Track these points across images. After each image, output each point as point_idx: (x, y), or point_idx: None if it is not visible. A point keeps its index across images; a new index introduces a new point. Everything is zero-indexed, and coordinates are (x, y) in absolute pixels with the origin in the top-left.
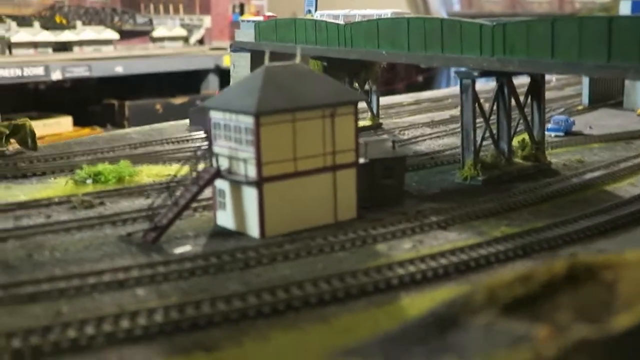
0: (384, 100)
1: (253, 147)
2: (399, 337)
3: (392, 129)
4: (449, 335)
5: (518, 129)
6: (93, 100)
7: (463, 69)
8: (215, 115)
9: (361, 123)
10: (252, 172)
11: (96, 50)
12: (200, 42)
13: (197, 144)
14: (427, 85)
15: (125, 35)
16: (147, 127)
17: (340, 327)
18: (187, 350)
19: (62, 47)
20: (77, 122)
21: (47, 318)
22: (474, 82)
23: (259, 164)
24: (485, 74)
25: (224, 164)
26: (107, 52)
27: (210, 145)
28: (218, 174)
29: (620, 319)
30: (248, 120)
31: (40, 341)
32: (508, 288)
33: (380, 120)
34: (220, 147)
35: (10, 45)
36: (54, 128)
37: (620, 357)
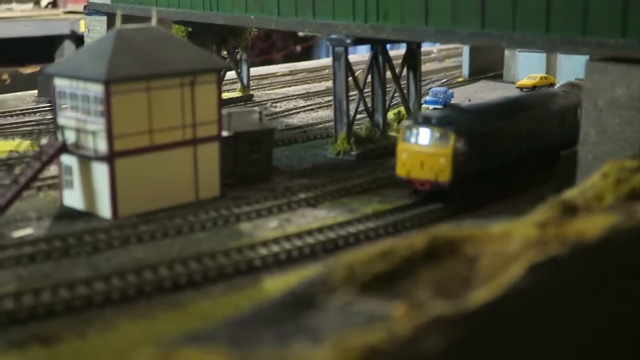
0: (257, 70)
1: (103, 118)
2: (251, 319)
3: (264, 101)
4: (305, 316)
5: (394, 102)
6: None
7: (335, 36)
8: (61, 83)
9: (230, 95)
10: (102, 146)
11: None
12: (54, 4)
13: (45, 117)
14: (306, 55)
15: None
16: None
17: (196, 313)
18: (21, 344)
19: None
20: None
21: None
22: (346, 50)
23: (110, 137)
24: (359, 41)
25: (70, 137)
26: None
27: (55, 116)
28: (64, 148)
29: (477, 294)
30: (97, 89)
31: None
32: (367, 265)
33: (252, 92)
34: (67, 118)
35: None
36: None
37: (476, 332)
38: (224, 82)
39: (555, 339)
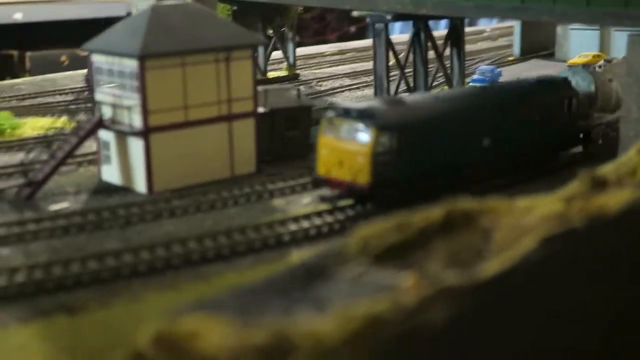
0: (305, 50)
1: (138, 93)
2: (260, 288)
3: (310, 80)
4: (314, 287)
5: (437, 81)
6: None
7: (376, 13)
8: (98, 59)
9: (276, 74)
10: (137, 122)
11: None
12: None
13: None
14: (361, 36)
15: None
16: (39, 78)
17: (220, 285)
18: (47, 313)
19: None
20: None
21: None
22: (387, 27)
23: (145, 113)
24: (399, 17)
25: (107, 113)
26: None
27: (92, 92)
28: (100, 124)
29: (488, 266)
30: (132, 64)
31: None
32: (382, 237)
33: (298, 71)
34: (104, 94)
35: None
36: None
37: (485, 304)
38: (270, 61)
39: (567, 313)
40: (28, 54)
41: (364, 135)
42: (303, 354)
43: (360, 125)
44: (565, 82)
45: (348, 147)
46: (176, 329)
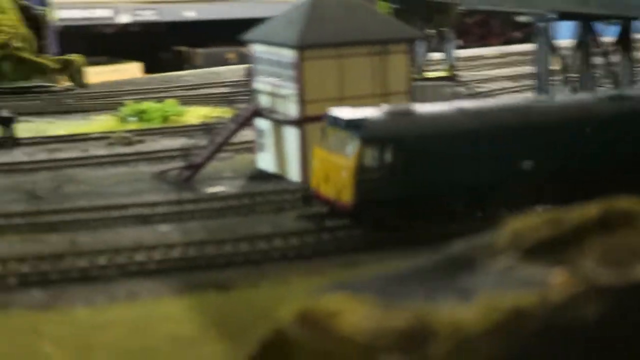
0: (466, 52)
1: (295, 83)
2: (405, 275)
3: (469, 81)
4: (460, 278)
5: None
6: (163, 46)
7: (538, 11)
8: (257, 49)
9: (436, 74)
10: (293, 111)
11: None
12: None
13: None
14: (527, 41)
15: None
16: (203, 70)
17: (369, 272)
18: (198, 287)
19: None
20: (148, 69)
21: (61, 247)
22: (549, 26)
23: (302, 102)
24: (564, 17)
25: (265, 102)
26: None
27: (250, 81)
28: (257, 112)
29: None
30: (290, 54)
31: (49, 268)
32: (534, 231)
33: (457, 72)
34: (262, 83)
35: None
36: (124, 74)
37: (634, 306)
38: (428, 61)
39: None
40: (198, 50)
41: (350, 147)
42: (442, 341)
43: (347, 136)
44: None
45: (334, 161)
46: (319, 307)
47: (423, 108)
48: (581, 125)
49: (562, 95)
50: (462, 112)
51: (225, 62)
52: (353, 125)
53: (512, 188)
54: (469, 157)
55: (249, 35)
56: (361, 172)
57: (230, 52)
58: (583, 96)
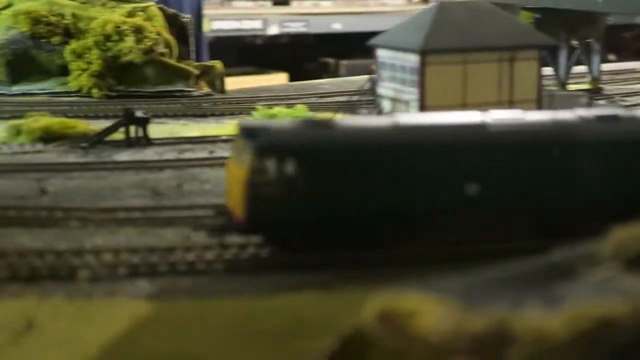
0: (613, 65)
1: (417, 88)
2: (495, 279)
3: (613, 94)
4: (555, 286)
5: None
6: (309, 57)
7: None
8: (381, 54)
9: (577, 86)
10: None
11: (315, 5)
12: (425, 0)
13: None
14: None
15: None
16: (342, 79)
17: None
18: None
19: (281, 0)
20: (293, 80)
21: (174, 241)
22: None
23: (423, 108)
24: None
25: (387, 107)
26: (325, 8)
27: (374, 86)
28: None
29: None
30: (413, 59)
31: (158, 260)
32: (638, 242)
33: (602, 85)
34: (385, 88)
35: None
36: (269, 84)
37: None
38: (570, 74)
39: None
40: (342, 62)
41: (246, 157)
42: (522, 348)
43: (242, 144)
44: None
45: (235, 172)
46: (399, 306)
47: (349, 121)
48: (547, 149)
49: (544, 114)
50: (397, 127)
51: (368, 73)
52: (251, 135)
53: (452, 215)
54: (397, 178)
55: (374, 40)
56: (255, 187)
57: (373, 64)
58: (567, 114)
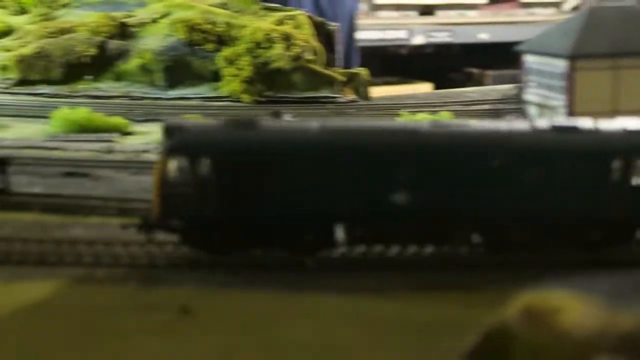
0: None
1: (565, 94)
2: None
3: None
4: None
5: None
6: (454, 67)
7: None
8: (529, 60)
9: None
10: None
11: (460, 14)
12: (575, 8)
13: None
14: None
15: None
16: (486, 88)
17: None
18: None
19: (427, 10)
20: (437, 89)
21: None
22: None
23: (571, 114)
24: None
25: (533, 113)
26: (471, 17)
27: (520, 92)
28: None
29: None
30: (561, 64)
31: None
32: None
33: None
34: (531, 94)
35: (374, 7)
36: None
37: None
38: None
39: None
40: (488, 72)
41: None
42: None
43: (160, 143)
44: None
45: (155, 171)
46: (544, 302)
47: (274, 122)
48: (486, 158)
49: (492, 123)
50: (324, 129)
51: (515, 83)
52: (168, 133)
53: (378, 223)
54: (318, 182)
55: (522, 46)
56: (167, 185)
57: (520, 74)
58: (516, 124)
